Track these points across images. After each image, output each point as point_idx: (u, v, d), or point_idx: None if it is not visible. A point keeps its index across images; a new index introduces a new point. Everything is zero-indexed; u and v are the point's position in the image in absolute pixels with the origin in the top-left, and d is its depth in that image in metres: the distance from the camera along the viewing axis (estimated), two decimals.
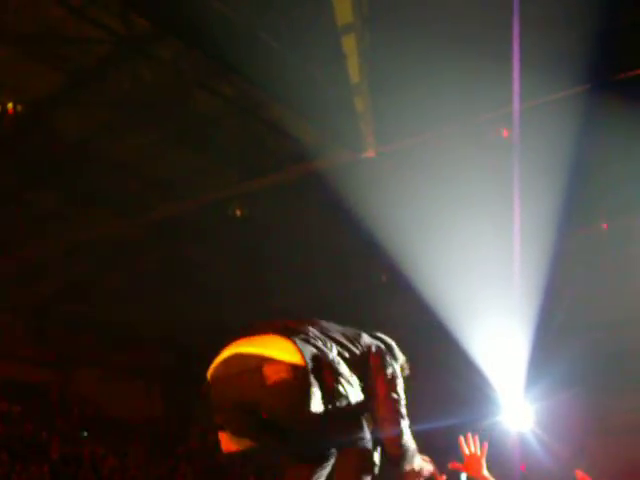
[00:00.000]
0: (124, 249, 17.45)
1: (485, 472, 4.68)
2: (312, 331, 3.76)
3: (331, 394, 3.60)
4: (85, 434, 17.51)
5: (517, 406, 16.76)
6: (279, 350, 3.56)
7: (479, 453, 4.71)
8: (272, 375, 3.49)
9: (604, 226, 16.06)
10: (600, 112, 12.00)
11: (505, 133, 12.58)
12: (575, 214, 14.33)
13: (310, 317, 3.95)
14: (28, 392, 19.16)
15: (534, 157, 12.33)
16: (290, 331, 3.68)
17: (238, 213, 15.69)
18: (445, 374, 17.44)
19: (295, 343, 3.59)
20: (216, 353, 3.78)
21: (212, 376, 3.71)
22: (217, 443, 3.70)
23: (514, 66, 10.64)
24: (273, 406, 3.52)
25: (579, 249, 16.01)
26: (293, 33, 11.19)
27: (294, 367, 3.51)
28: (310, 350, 3.60)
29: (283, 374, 3.49)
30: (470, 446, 4.72)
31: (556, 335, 16.35)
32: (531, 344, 15.48)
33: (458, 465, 4.71)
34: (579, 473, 4.33)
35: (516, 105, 11.39)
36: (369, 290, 18.83)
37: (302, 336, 3.68)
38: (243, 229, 16.00)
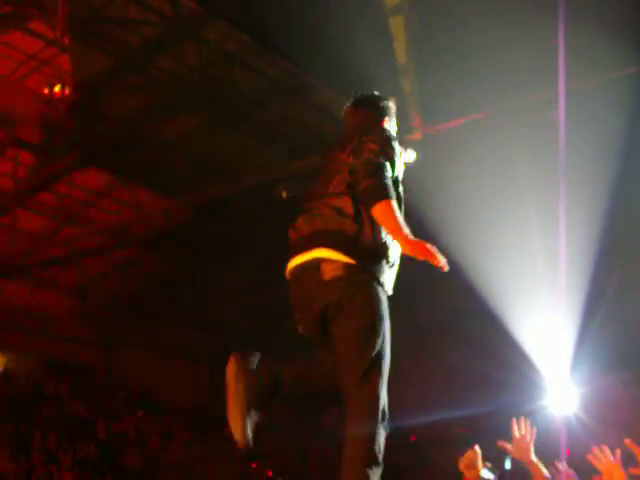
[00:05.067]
0: (170, 230, 17.53)
1: (533, 457, 4.67)
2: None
3: None
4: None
5: (562, 391, 16.63)
6: (333, 253, 3.89)
7: (528, 437, 4.70)
8: (329, 271, 3.85)
9: None
10: None
11: (555, 115, 12.42)
12: (624, 198, 14.14)
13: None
14: (75, 372, 19.40)
15: (583, 141, 12.17)
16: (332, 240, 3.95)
17: (284, 195, 15.66)
18: (489, 358, 17.34)
19: (343, 251, 3.89)
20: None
21: (287, 283, 4.12)
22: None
23: (560, 46, 10.49)
24: (330, 300, 3.86)
25: (627, 233, 15.80)
26: (340, 14, 11.12)
27: (348, 265, 3.85)
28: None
29: (339, 271, 3.84)
30: (521, 429, 4.72)
31: (603, 318, 16.17)
32: (577, 328, 15.34)
33: (506, 445, 4.71)
34: (628, 442, 4.28)
35: (562, 87, 11.23)
36: (412, 273, 18.74)
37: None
38: (289, 211, 15.98)
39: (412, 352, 19.21)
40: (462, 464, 4.89)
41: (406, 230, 3.78)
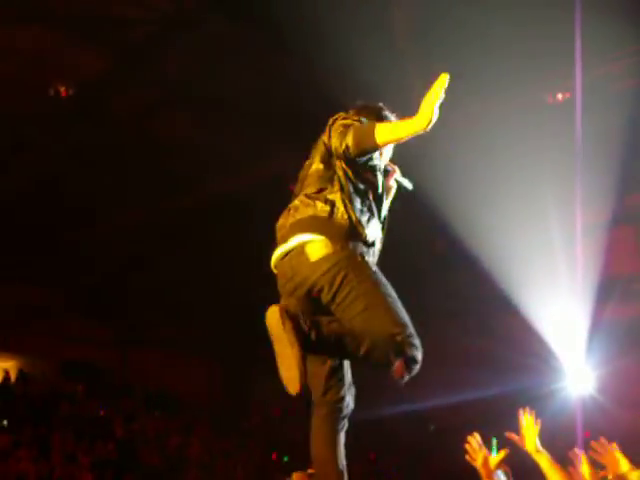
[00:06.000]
0: (183, 228, 17.53)
1: (540, 447, 4.74)
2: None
3: None
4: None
5: (579, 372, 16.61)
6: (312, 235, 4.03)
7: (534, 428, 4.78)
8: (314, 252, 3.98)
9: None
10: None
11: (561, 97, 12.36)
12: (636, 180, 14.13)
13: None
14: (91, 371, 19.45)
15: (599, 123, 12.14)
16: (308, 225, 4.10)
17: (291, 189, 15.59)
18: (505, 342, 17.34)
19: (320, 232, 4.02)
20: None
21: (275, 272, 4.30)
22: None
23: (576, 27, 10.43)
24: (319, 278, 3.97)
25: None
26: (340, 2, 11.10)
27: (330, 243, 3.97)
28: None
29: (323, 250, 3.95)
30: (527, 419, 4.82)
31: (618, 300, 16.14)
32: (593, 309, 15.31)
33: (514, 436, 4.79)
34: None
35: (578, 68, 11.17)
36: (425, 261, 18.70)
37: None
38: None
39: (429, 338, 19.18)
40: (471, 459, 4.88)
41: (411, 120, 3.83)
